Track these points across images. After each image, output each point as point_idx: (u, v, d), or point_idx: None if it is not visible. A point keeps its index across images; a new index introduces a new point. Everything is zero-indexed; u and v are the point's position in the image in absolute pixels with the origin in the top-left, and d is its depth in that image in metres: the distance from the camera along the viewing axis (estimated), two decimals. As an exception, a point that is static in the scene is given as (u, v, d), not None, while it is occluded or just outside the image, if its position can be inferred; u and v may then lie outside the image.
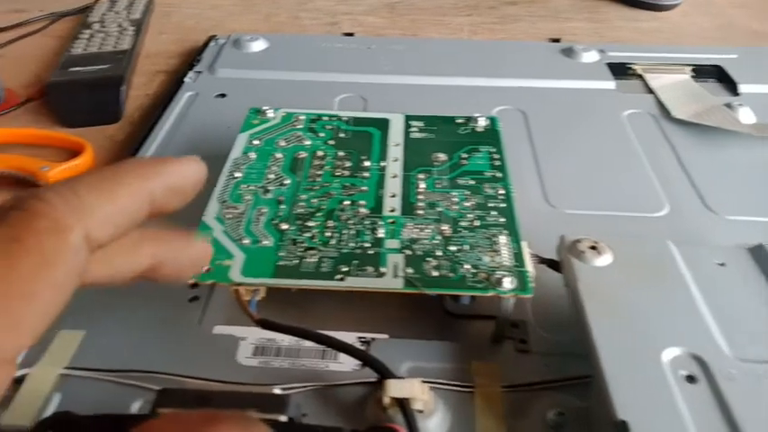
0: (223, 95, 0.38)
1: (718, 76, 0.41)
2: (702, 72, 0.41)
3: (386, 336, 0.23)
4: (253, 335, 0.23)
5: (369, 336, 0.23)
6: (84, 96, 0.37)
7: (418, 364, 0.22)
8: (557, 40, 0.45)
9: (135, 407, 0.20)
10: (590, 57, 0.42)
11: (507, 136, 0.29)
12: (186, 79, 0.40)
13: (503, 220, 0.24)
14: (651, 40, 0.47)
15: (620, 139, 0.34)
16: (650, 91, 0.39)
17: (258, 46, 0.43)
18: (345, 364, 0.22)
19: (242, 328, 0.23)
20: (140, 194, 0.14)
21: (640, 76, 0.41)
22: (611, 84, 0.39)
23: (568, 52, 0.42)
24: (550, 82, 0.39)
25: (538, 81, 0.39)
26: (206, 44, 0.45)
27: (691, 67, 0.41)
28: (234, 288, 0.21)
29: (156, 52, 0.46)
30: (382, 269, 0.22)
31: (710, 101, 0.37)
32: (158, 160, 0.15)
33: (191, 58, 0.43)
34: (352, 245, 0.23)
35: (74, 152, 0.33)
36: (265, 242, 0.23)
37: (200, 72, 0.41)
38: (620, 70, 0.41)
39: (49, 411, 0.20)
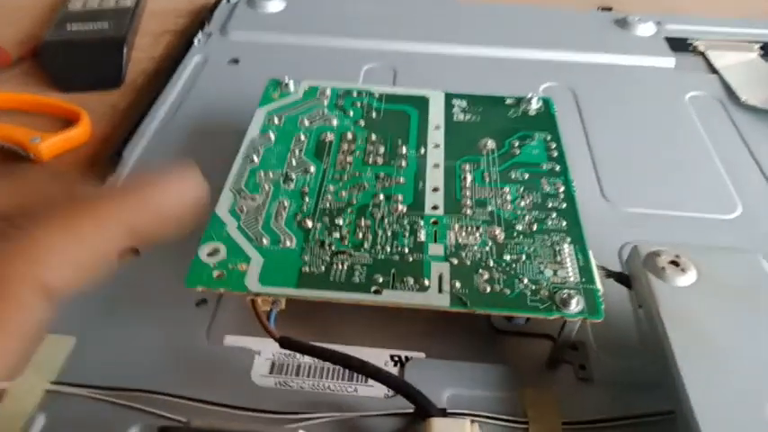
0: (236, 61, 0.35)
1: (787, 55, 0.37)
2: (771, 50, 0.37)
3: (422, 354, 0.20)
4: (269, 348, 0.20)
5: (402, 354, 0.20)
6: (82, 58, 0.33)
7: (460, 390, 0.19)
8: (608, 9, 0.41)
9: (132, 435, 0.17)
10: (646, 29, 0.37)
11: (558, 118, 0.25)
12: (195, 42, 0.36)
13: (565, 224, 0.20)
14: (707, 10, 0.43)
15: (683, 126, 0.30)
16: (714, 71, 0.35)
17: (275, 6, 0.39)
18: (376, 387, 0.19)
19: (257, 339, 0.20)
20: (113, 229, 0.11)
21: (702, 54, 0.36)
22: (670, 61, 0.35)
23: (622, 23, 0.38)
24: (603, 56, 0.35)
25: (589, 55, 0.35)
26: (217, 2, 0.41)
27: (758, 45, 0.37)
28: (250, 298, 0.18)
29: (161, 10, 0.42)
30: (425, 281, 0.18)
31: (784, 85, 0.33)
32: (143, 184, 0.12)
33: (200, 18, 0.39)
34: (388, 249, 0.19)
35: (68, 121, 0.30)
36: (288, 243, 0.19)
37: (210, 34, 0.37)
38: (679, 46, 0.36)
39: (33, 436, 0.17)
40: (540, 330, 0.20)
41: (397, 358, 0.20)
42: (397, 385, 0.17)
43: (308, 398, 0.19)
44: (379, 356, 0.20)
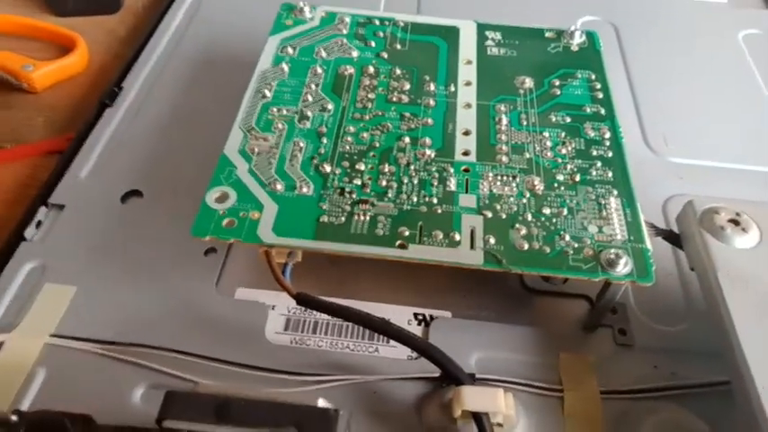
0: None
1: None
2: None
3: (448, 314, 0.19)
4: (284, 302, 0.18)
5: (427, 313, 0.19)
6: (77, -22, 0.30)
7: (489, 354, 0.17)
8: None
9: (137, 394, 0.16)
10: (697, -43, 0.33)
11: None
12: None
13: (611, 174, 0.18)
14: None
15: (736, 67, 0.28)
16: (770, 6, 0.32)
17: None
18: (398, 348, 0.18)
19: (271, 292, 0.19)
20: None
21: (758, -14, 0.33)
22: (723, -6, 0.32)
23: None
24: (649, -12, 0.32)
25: (634, -14, 0.32)
26: None
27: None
28: (264, 250, 0.16)
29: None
30: (455, 236, 0.17)
31: None
32: None
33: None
34: (414, 199, 0.17)
35: (64, 48, 0.27)
36: (304, 190, 0.17)
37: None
38: (733, -24, 0.33)
39: (33, 391, 0.16)
40: (577, 290, 0.19)
41: (421, 317, 0.18)
42: (423, 349, 0.16)
43: (326, 358, 0.17)
44: (401, 315, 0.18)
